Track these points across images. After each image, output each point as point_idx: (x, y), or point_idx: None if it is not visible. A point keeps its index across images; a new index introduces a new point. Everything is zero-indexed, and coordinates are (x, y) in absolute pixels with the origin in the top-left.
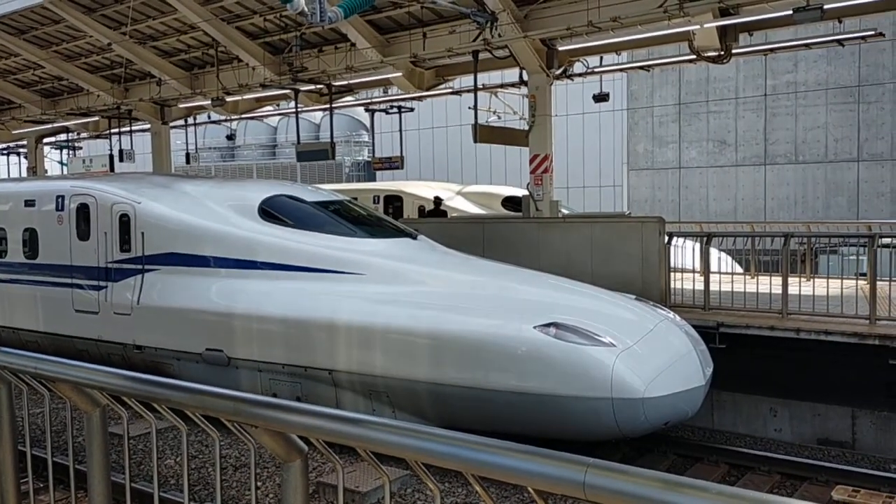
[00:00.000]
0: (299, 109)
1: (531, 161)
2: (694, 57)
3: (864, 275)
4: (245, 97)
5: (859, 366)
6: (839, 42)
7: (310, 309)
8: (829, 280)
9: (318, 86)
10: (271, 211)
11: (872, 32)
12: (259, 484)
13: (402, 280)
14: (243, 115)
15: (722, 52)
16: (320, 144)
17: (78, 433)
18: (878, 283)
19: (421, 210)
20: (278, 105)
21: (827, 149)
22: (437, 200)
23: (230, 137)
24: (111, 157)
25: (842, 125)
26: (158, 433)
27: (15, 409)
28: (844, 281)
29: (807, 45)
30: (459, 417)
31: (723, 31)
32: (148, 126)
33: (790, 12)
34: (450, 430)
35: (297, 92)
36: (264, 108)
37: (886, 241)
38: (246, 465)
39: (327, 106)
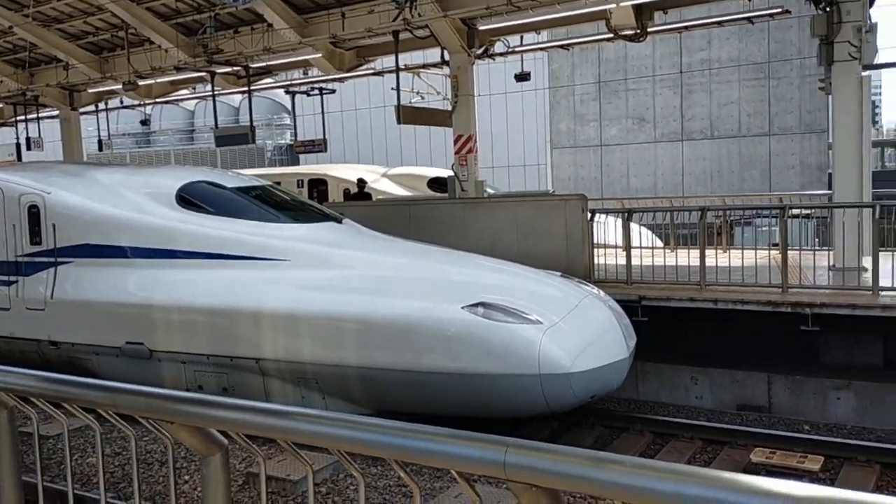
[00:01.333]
0: (216, 92)
1: (455, 141)
2: (611, 35)
3: (777, 245)
4: (159, 81)
5: (774, 333)
6: (749, 20)
7: (234, 297)
8: (744, 251)
9: (235, 68)
10: (190, 198)
11: (780, 10)
12: (187, 477)
13: (328, 265)
14: (158, 100)
15: (638, 31)
16: (240, 128)
17: None
18: (789, 252)
19: (346, 193)
20: (194, 88)
21: (740, 124)
22: (361, 183)
23: (145, 123)
24: (18, 145)
25: (754, 101)
26: (80, 431)
27: None
28: (758, 251)
29: (719, 23)
30: (391, 401)
31: (638, 10)
32: (56, 112)
33: None
34: (370, 417)
35: (213, 74)
36: (180, 92)
37: (796, 212)
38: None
39: (245, 88)
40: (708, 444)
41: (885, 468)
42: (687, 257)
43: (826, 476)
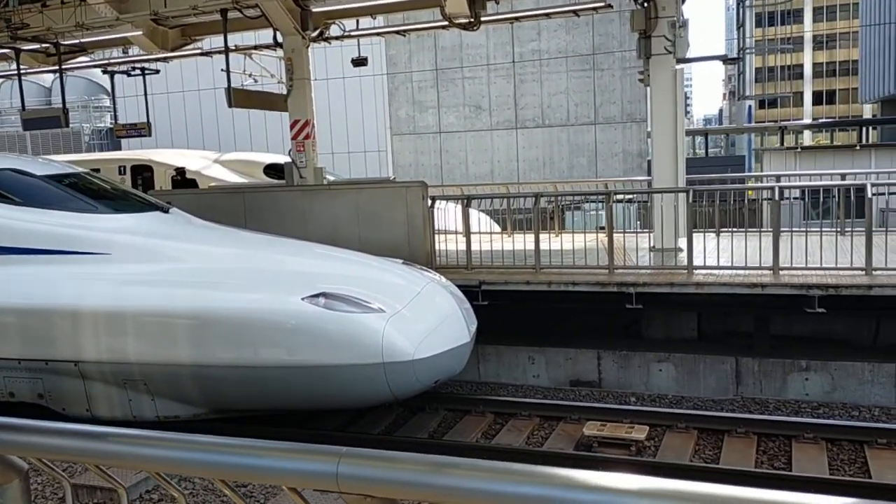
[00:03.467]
0: (23, 71)
1: (292, 126)
2: (446, 23)
3: (604, 228)
4: None
5: (602, 311)
6: (574, 12)
7: (47, 296)
8: (575, 235)
9: (44, 45)
10: None
11: (603, 4)
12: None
13: (154, 257)
14: None
15: (472, 20)
16: (51, 111)
17: None
18: (615, 235)
19: (174, 181)
20: None
21: (569, 113)
22: (181, 171)
23: None
24: None
25: (581, 91)
26: None
27: None
28: (587, 235)
29: (547, 15)
30: (229, 399)
31: None
32: None
33: None
34: (192, 435)
35: (17, 52)
36: None
37: (620, 197)
38: None
39: (56, 67)
40: (545, 421)
41: (701, 433)
42: (523, 242)
43: (651, 444)
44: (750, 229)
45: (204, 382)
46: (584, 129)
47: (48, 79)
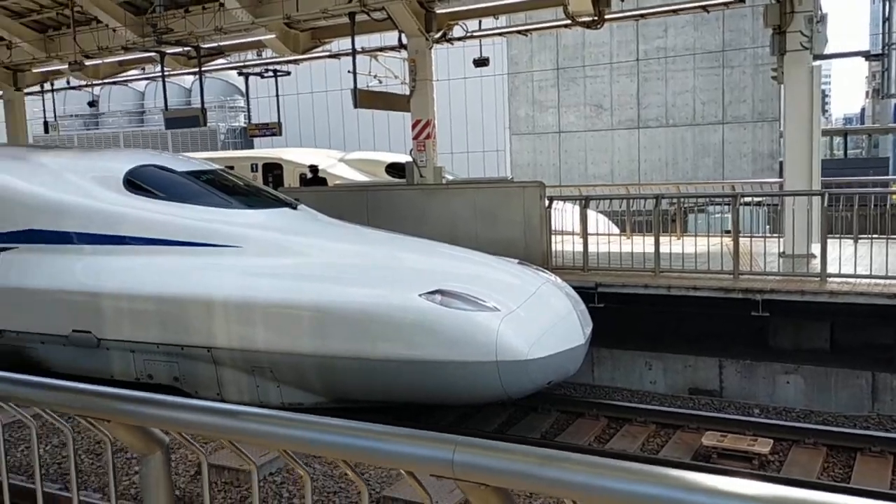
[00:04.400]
0: (166, 73)
1: (413, 126)
2: (569, 22)
3: (729, 232)
4: (107, 61)
5: (725, 318)
6: (704, 8)
7: (185, 285)
8: (698, 238)
9: (186, 48)
10: (138, 182)
11: None
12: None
13: (283, 252)
14: (106, 80)
15: (595, 18)
16: (191, 110)
17: None
18: (741, 239)
19: (302, 178)
20: (144, 69)
21: (695, 112)
22: (314, 168)
23: (92, 104)
24: None
25: (708, 89)
26: (15, 425)
27: None
28: (711, 238)
29: (675, 11)
30: (348, 389)
31: None
32: (0, 93)
33: None
34: (318, 416)
35: (162, 55)
36: (129, 73)
37: (748, 199)
38: (120, 450)
39: (196, 69)
40: (661, 428)
41: (831, 450)
42: (642, 244)
43: (775, 458)
44: (892, 236)
45: (325, 372)
46: (710, 129)
47: (188, 80)
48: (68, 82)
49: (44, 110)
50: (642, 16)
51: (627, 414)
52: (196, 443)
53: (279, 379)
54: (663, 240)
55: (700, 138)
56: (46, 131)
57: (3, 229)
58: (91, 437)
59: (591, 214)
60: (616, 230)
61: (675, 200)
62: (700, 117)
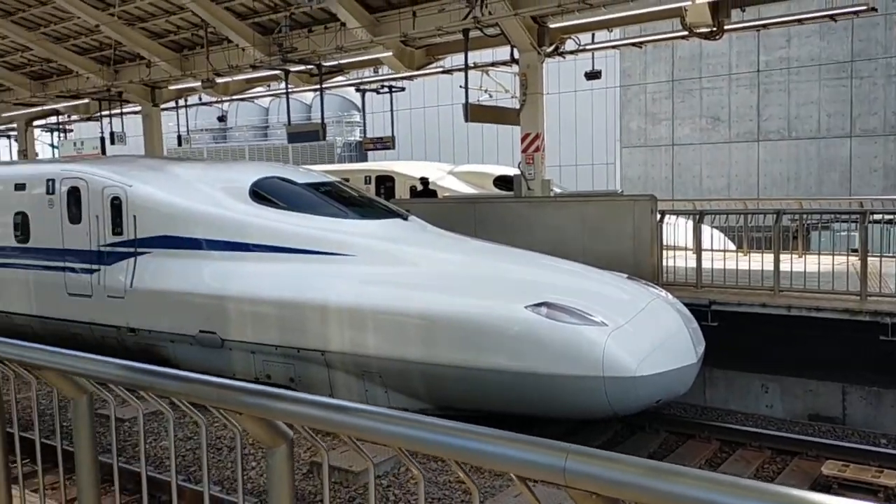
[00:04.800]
0: (290, 90)
1: (522, 140)
2: (686, 33)
3: (856, 251)
4: (235, 78)
5: (850, 341)
6: (831, 17)
7: (302, 291)
8: (821, 256)
9: (309, 66)
10: (262, 193)
11: (864, 7)
12: (254, 464)
13: (394, 261)
14: (234, 97)
15: (714, 28)
16: (311, 125)
17: (64, 417)
18: (869, 258)
19: (413, 190)
20: (269, 86)
21: (820, 124)
22: (424, 181)
23: (221, 119)
24: (102, 139)
25: (834, 101)
26: (152, 415)
27: (2, 395)
28: (836, 257)
29: (799, 21)
30: (452, 397)
31: (715, 7)
32: (139, 108)
33: None
34: (431, 417)
35: (287, 73)
36: (255, 90)
37: (878, 216)
38: (216, 444)
39: (318, 86)
40: (777, 455)
41: None
42: (760, 262)
43: None
44: None
45: (430, 379)
46: (837, 142)
47: (308, 97)
48: (200, 98)
49: (177, 124)
50: (764, 26)
51: (741, 438)
52: (318, 439)
53: (387, 384)
54: (783, 257)
55: (825, 152)
56: (179, 144)
57: (141, 234)
58: (211, 432)
59: (706, 229)
60: (732, 246)
61: (796, 216)
62: (825, 130)
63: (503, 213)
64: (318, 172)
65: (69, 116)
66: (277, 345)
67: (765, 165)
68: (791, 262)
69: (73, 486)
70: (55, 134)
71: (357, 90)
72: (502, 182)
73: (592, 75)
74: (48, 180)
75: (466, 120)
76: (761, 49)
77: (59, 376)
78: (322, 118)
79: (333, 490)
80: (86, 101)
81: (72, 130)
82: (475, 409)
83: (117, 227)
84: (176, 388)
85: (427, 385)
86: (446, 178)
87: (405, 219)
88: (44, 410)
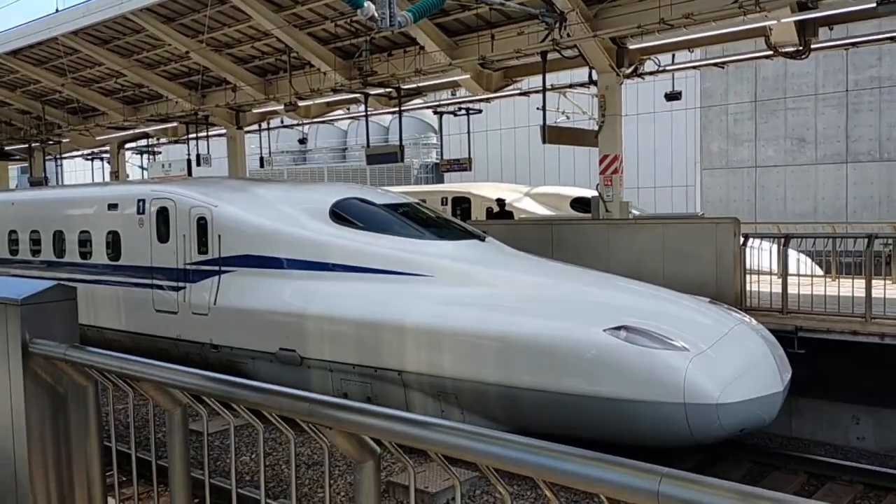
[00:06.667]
0: (369, 113)
1: (601, 161)
2: (771, 53)
3: None
4: (316, 102)
5: None
6: None
7: (380, 311)
8: None
9: (388, 89)
10: (342, 213)
11: None
12: (331, 482)
13: (471, 282)
14: (315, 120)
15: (800, 48)
16: (389, 147)
17: (158, 429)
18: None
19: (489, 211)
20: (349, 109)
21: None
22: (501, 202)
23: (302, 141)
24: (189, 161)
25: None
26: (224, 432)
27: (101, 406)
28: None
29: (892, 39)
30: (528, 420)
31: (801, 26)
32: (224, 131)
33: (873, 5)
34: (520, 436)
35: (366, 96)
36: (335, 112)
37: None
38: (317, 464)
39: (396, 109)
40: (870, 490)
41: None
42: (851, 287)
43: None
44: None
45: (507, 401)
46: None
47: (386, 119)
48: (282, 121)
49: (260, 147)
50: (853, 44)
51: (830, 471)
52: (405, 456)
53: (463, 405)
54: (876, 283)
55: None
56: (262, 166)
57: (225, 253)
58: (287, 449)
59: (792, 254)
60: (819, 271)
61: (889, 240)
62: None
63: (580, 236)
64: (396, 194)
65: (158, 139)
66: (355, 363)
67: (854, 188)
68: (884, 288)
69: (161, 497)
70: (145, 156)
71: (434, 112)
72: (579, 204)
73: (672, 96)
74: (139, 200)
75: (544, 142)
76: (850, 68)
77: (156, 388)
78: (400, 140)
79: None
80: (174, 124)
81: (160, 153)
82: (551, 432)
83: (202, 246)
84: (268, 401)
85: (503, 407)
86: (523, 200)
87: (482, 240)
88: (137, 425)
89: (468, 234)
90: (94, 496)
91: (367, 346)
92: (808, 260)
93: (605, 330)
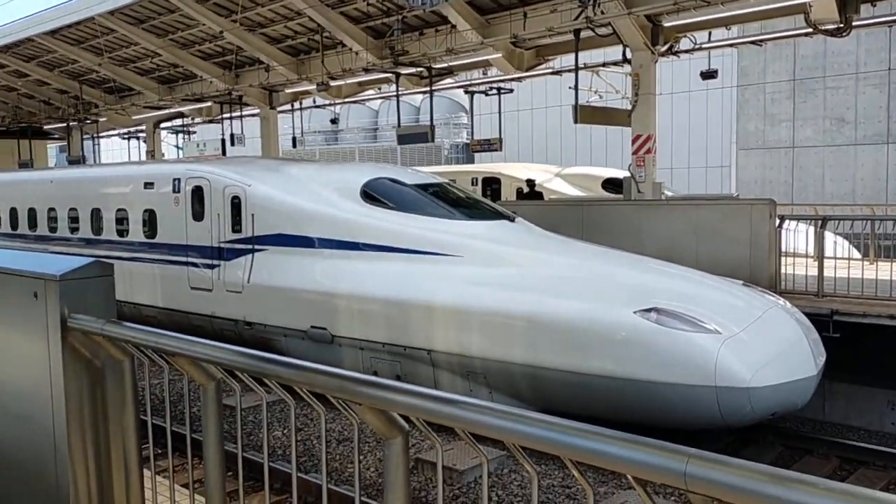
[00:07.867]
0: (400, 93)
1: (633, 141)
2: (810, 30)
3: None
4: (348, 82)
5: None
6: None
7: (410, 290)
8: None
9: (419, 69)
10: (373, 193)
11: None
12: (360, 458)
13: (500, 262)
14: (346, 100)
15: (841, 25)
16: (420, 127)
17: (193, 404)
18: None
19: (519, 192)
20: (380, 89)
21: None
22: (531, 183)
23: (334, 121)
24: (223, 141)
25: None
26: (267, 406)
27: (137, 381)
28: None
29: None
30: (556, 401)
31: (842, 2)
32: (257, 111)
33: None
34: (548, 415)
35: (398, 75)
36: (366, 92)
37: None
38: (347, 439)
39: (427, 89)
40: None
41: None
42: (889, 271)
43: None
44: None
45: (535, 382)
46: None
47: (417, 99)
48: (314, 101)
49: (292, 126)
50: None
51: (864, 456)
52: (433, 433)
53: (491, 385)
54: None
55: None
56: (294, 146)
57: (258, 232)
58: (318, 425)
59: (829, 236)
60: (857, 254)
61: None
62: None
63: (612, 217)
64: (426, 174)
65: (193, 119)
66: (385, 342)
67: (895, 169)
68: None
69: (195, 469)
70: (180, 135)
71: (465, 92)
72: (611, 185)
73: (708, 75)
74: (174, 179)
75: (576, 121)
76: (893, 46)
77: (191, 363)
78: (431, 120)
79: (435, 487)
80: (209, 104)
81: (195, 132)
82: (579, 413)
83: (236, 224)
84: (300, 377)
85: (531, 388)
86: (553, 181)
87: (512, 220)
88: (172, 400)
89: (498, 215)
90: (130, 468)
91: (397, 325)
92: (846, 243)
93: (635, 312)
